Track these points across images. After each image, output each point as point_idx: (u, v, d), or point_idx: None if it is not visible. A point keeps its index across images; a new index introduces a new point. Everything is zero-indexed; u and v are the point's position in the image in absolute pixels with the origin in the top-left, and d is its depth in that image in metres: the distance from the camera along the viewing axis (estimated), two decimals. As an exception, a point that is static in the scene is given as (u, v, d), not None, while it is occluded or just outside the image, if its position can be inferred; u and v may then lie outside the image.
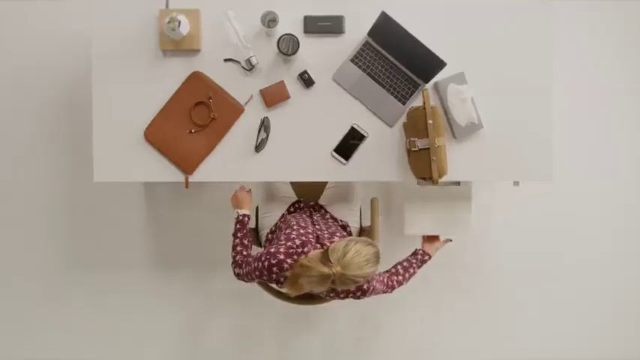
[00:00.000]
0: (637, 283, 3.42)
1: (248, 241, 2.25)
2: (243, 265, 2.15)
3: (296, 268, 1.91)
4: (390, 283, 2.29)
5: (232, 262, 2.21)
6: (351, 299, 2.24)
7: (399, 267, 2.37)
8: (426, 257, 2.41)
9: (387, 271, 2.34)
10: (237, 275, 2.18)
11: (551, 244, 3.42)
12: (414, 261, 2.39)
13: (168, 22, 2.23)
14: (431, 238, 2.46)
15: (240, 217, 2.29)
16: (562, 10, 3.39)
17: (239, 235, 2.25)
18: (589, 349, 3.43)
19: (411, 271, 2.37)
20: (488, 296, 3.40)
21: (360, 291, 2.10)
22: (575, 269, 3.43)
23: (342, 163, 2.45)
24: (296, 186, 2.70)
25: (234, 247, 2.22)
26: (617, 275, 3.43)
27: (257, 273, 2.06)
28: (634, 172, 3.42)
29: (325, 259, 1.85)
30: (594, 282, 3.42)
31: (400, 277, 2.33)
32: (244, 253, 2.21)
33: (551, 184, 3.43)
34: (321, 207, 2.58)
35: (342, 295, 2.10)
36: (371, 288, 2.12)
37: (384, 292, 2.26)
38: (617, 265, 3.43)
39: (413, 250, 2.59)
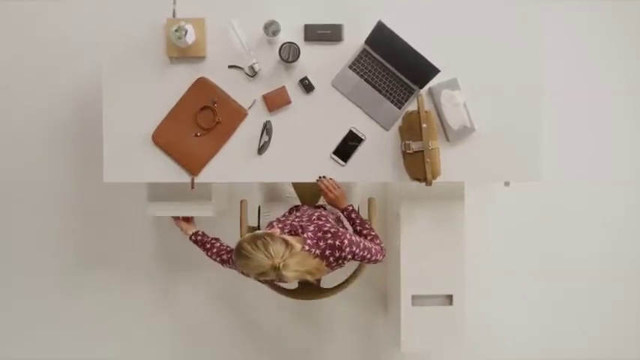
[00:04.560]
0: (637, 283, 3.50)
1: (215, 241, 2.54)
2: (230, 263, 2.44)
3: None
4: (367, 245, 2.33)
5: (223, 265, 2.50)
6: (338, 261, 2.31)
7: (361, 231, 2.44)
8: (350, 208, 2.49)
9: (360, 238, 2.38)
10: (232, 266, 2.44)
11: (549, 244, 3.49)
12: (358, 221, 2.47)
13: (176, 31, 2.40)
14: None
15: (193, 238, 2.58)
16: (562, 10, 3.46)
17: (206, 247, 2.54)
18: (589, 349, 3.51)
19: (360, 229, 2.44)
20: (487, 296, 3.50)
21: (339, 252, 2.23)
22: (575, 269, 3.49)
23: (341, 164, 2.59)
24: (297, 187, 2.86)
25: (213, 258, 2.51)
26: (617, 275, 3.50)
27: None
28: (634, 172, 3.49)
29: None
30: (594, 282, 3.49)
31: (366, 233, 2.42)
32: (222, 250, 2.49)
33: (550, 185, 3.48)
34: (320, 206, 2.71)
35: (333, 262, 2.25)
36: (351, 249, 2.24)
37: (373, 254, 2.33)
38: (616, 265, 3.50)
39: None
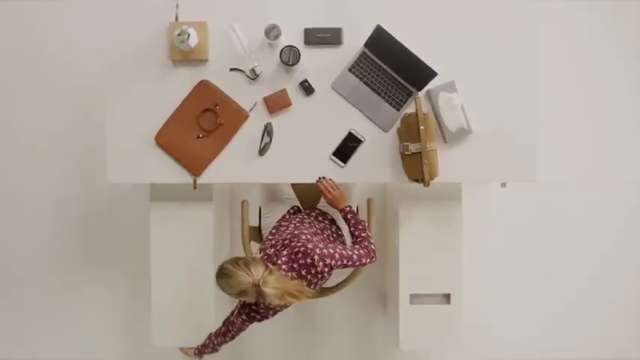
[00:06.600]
0: (637, 283, 3.54)
1: (210, 334, 2.68)
2: (230, 327, 2.55)
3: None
4: (357, 252, 2.41)
5: (227, 337, 2.60)
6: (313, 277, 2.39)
7: (355, 238, 2.51)
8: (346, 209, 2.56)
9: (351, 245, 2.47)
10: (239, 327, 2.53)
11: (548, 244, 3.53)
12: (352, 222, 2.53)
13: (179, 35, 2.48)
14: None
15: (196, 351, 2.74)
16: (562, 10, 3.52)
17: (206, 343, 2.68)
18: (589, 349, 3.56)
19: (353, 230, 2.52)
20: (486, 296, 3.54)
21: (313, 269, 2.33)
22: (574, 269, 3.54)
23: (341, 165, 2.66)
24: (296, 188, 2.92)
25: (219, 341, 2.63)
26: (617, 275, 3.55)
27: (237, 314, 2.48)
28: (634, 173, 3.54)
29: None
30: (594, 282, 3.54)
31: (361, 240, 2.49)
32: (217, 331, 2.63)
33: (549, 185, 3.53)
34: (317, 208, 2.78)
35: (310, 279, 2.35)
36: (323, 262, 2.32)
37: (360, 258, 2.41)
38: (616, 265, 3.55)
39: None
